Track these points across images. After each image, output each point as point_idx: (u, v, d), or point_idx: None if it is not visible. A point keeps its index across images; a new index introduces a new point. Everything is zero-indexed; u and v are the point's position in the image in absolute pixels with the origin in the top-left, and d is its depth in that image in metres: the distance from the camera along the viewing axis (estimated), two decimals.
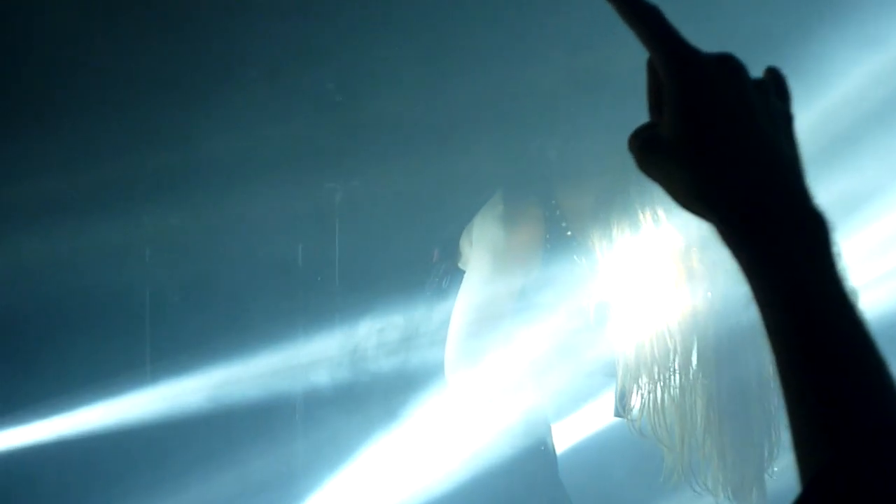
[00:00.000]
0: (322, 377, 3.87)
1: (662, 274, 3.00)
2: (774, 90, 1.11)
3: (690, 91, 1.06)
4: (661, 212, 2.99)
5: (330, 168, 4.05)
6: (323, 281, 4.05)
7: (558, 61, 3.65)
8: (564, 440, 3.51)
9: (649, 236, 2.99)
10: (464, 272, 3.31)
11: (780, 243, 1.05)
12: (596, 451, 3.50)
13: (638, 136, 1.10)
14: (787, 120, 1.12)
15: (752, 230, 1.05)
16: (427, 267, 3.44)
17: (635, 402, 3.06)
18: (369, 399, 3.70)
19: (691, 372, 3.02)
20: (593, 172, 3.17)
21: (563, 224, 3.16)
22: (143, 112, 3.96)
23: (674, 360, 3.01)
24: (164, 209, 4.07)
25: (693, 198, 1.08)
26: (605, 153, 3.14)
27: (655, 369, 3.00)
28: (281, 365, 3.97)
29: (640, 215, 3.01)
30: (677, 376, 3.01)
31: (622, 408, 3.06)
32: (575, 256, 3.17)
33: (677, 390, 3.01)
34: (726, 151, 1.05)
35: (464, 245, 3.38)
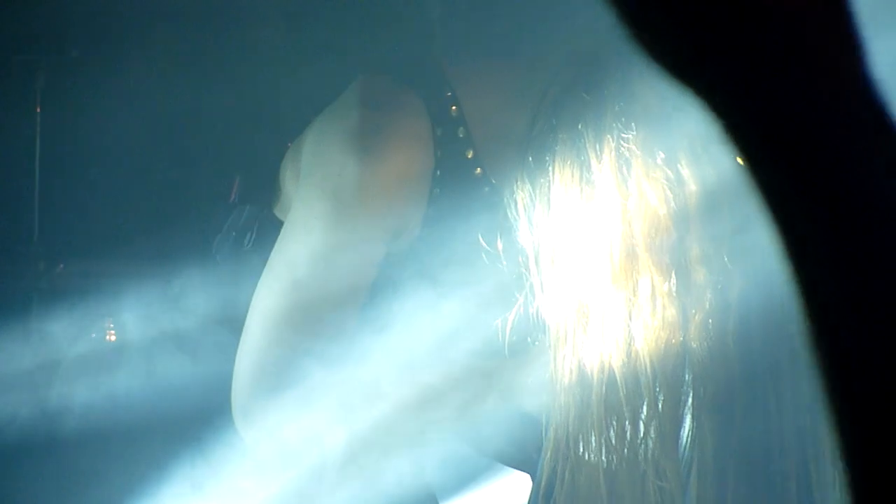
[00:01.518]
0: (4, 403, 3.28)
1: (635, 259, 2.59)
2: None
3: None
4: (640, 148, 2.56)
5: (28, 32, 3.41)
6: (12, 228, 3.44)
7: None
8: None
9: (618, 190, 2.58)
10: (281, 224, 2.83)
11: (845, 145, 0.84)
12: None
13: None
14: None
15: (797, 115, 0.83)
16: (218, 211, 2.99)
17: (571, 484, 2.60)
18: (96, 449, 3.11)
19: (680, 433, 2.60)
20: (522, 62, 2.73)
21: (469, 154, 2.74)
22: None
23: (648, 411, 2.59)
24: None
25: (692, 55, 0.86)
26: (558, 20, 2.65)
27: (613, 427, 2.59)
28: None
29: (604, 151, 2.57)
30: (652, 441, 2.59)
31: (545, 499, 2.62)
32: (486, 210, 2.75)
33: (652, 466, 2.58)
34: None
35: (284, 176, 2.91)
